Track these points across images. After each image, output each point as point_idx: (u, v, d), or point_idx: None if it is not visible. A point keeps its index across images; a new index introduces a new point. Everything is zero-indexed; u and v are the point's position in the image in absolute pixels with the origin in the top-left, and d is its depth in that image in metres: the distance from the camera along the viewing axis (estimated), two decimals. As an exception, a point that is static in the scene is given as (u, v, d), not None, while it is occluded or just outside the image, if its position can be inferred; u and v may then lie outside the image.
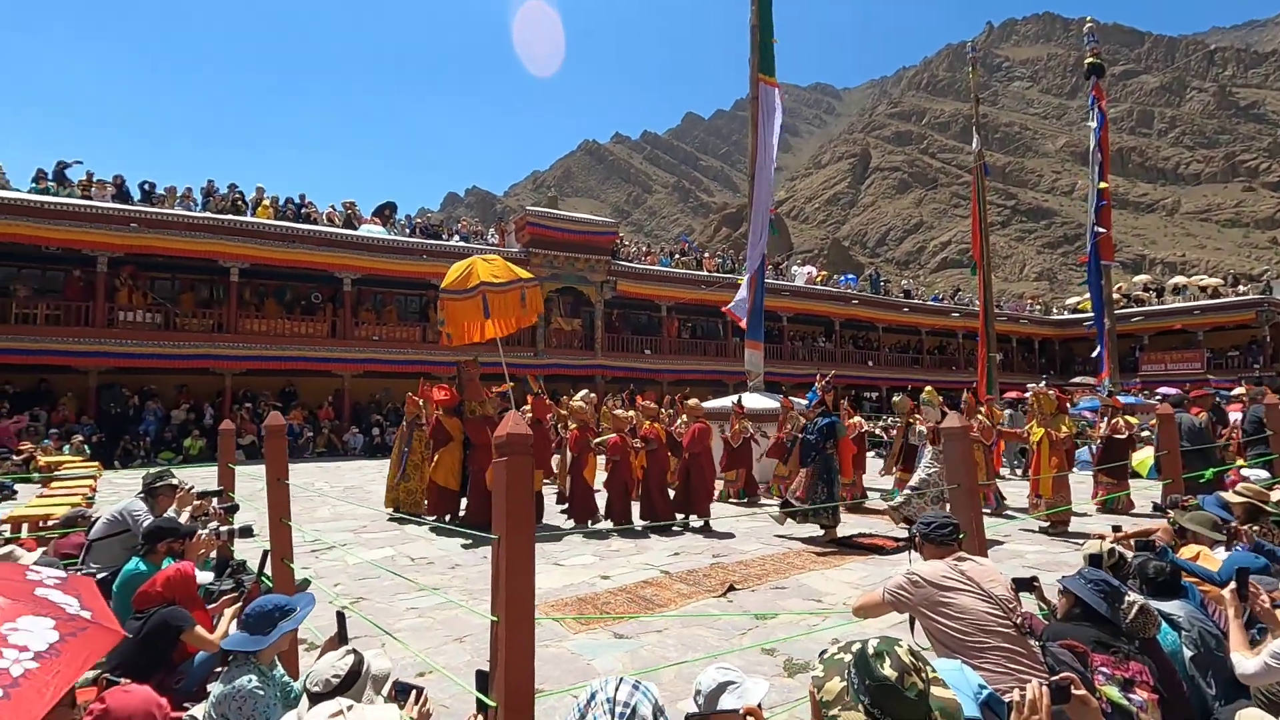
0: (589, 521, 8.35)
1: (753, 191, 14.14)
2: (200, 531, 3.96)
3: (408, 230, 21.49)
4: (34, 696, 1.09)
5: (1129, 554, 3.59)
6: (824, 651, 1.62)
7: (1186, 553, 3.72)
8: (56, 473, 10.21)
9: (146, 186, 17.85)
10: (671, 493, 8.79)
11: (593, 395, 10.76)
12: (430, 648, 4.30)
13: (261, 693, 2.16)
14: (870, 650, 1.43)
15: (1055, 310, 37.95)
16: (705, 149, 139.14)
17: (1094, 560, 3.39)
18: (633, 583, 5.86)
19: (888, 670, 1.38)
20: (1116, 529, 4.29)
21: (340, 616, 2.58)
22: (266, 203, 19.12)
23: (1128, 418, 10.31)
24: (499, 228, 24.36)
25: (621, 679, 1.65)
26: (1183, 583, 3.18)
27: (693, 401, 9.83)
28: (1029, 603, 3.05)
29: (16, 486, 10.64)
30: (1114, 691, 2.27)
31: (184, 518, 4.45)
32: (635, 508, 8.60)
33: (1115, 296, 25.03)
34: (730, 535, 8.01)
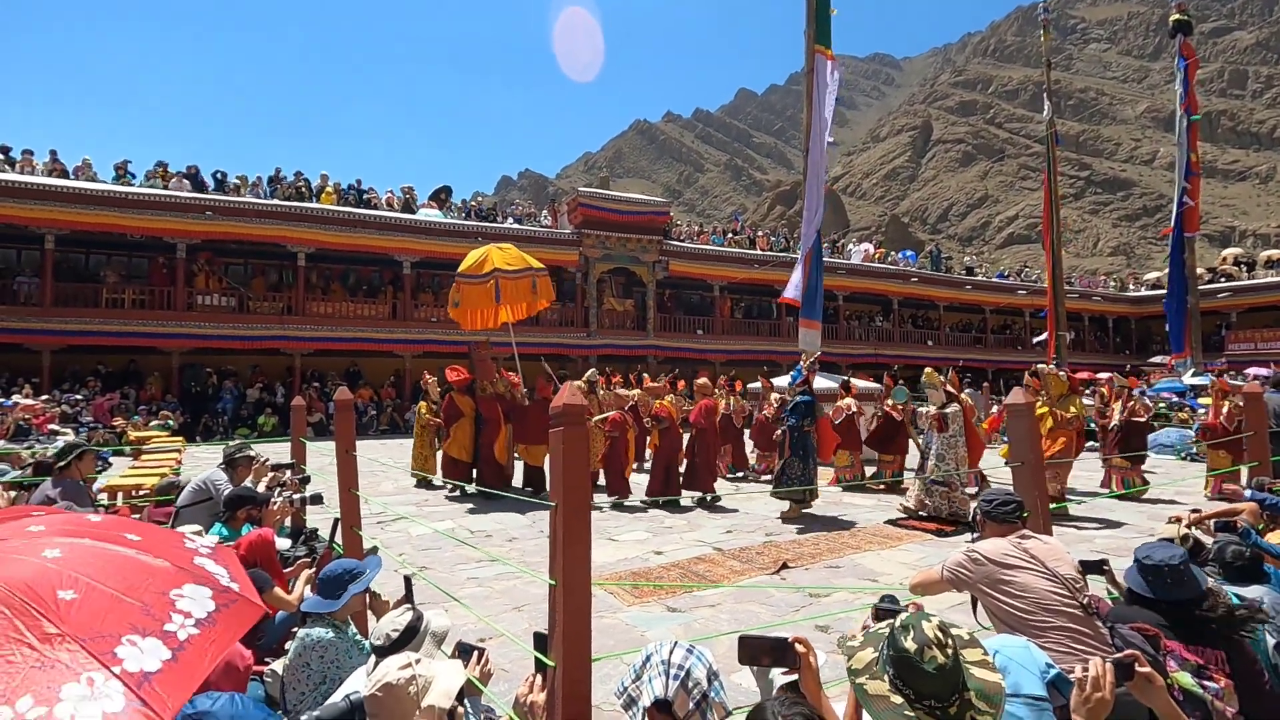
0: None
1: (807, 167, 13.82)
2: (275, 500, 4.21)
3: (463, 214, 21.91)
4: (196, 661, 1.15)
5: (1206, 538, 3.42)
6: (865, 626, 1.66)
7: (1274, 537, 3.52)
8: (145, 446, 10.94)
9: (219, 175, 18.71)
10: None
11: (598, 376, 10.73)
12: (490, 615, 4.46)
13: (338, 642, 2.30)
14: (899, 623, 1.45)
15: (1132, 286, 35.92)
16: (759, 125, 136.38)
17: (1168, 540, 3.25)
18: (686, 558, 5.92)
19: (909, 643, 1.39)
20: (1195, 510, 4.09)
21: (407, 580, 2.71)
22: (330, 189, 19.78)
23: (1145, 401, 9.92)
24: (551, 209, 24.56)
25: (676, 643, 1.69)
26: (1265, 568, 3.01)
27: (702, 380, 9.83)
28: (1099, 586, 2.95)
29: (111, 459, 11.45)
30: (1187, 678, 2.18)
31: (260, 488, 4.73)
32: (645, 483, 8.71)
33: (1200, 271, 23.54)
34: (734, 510, 8.04)
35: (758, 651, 1.68)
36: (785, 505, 7.78)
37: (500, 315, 10.32)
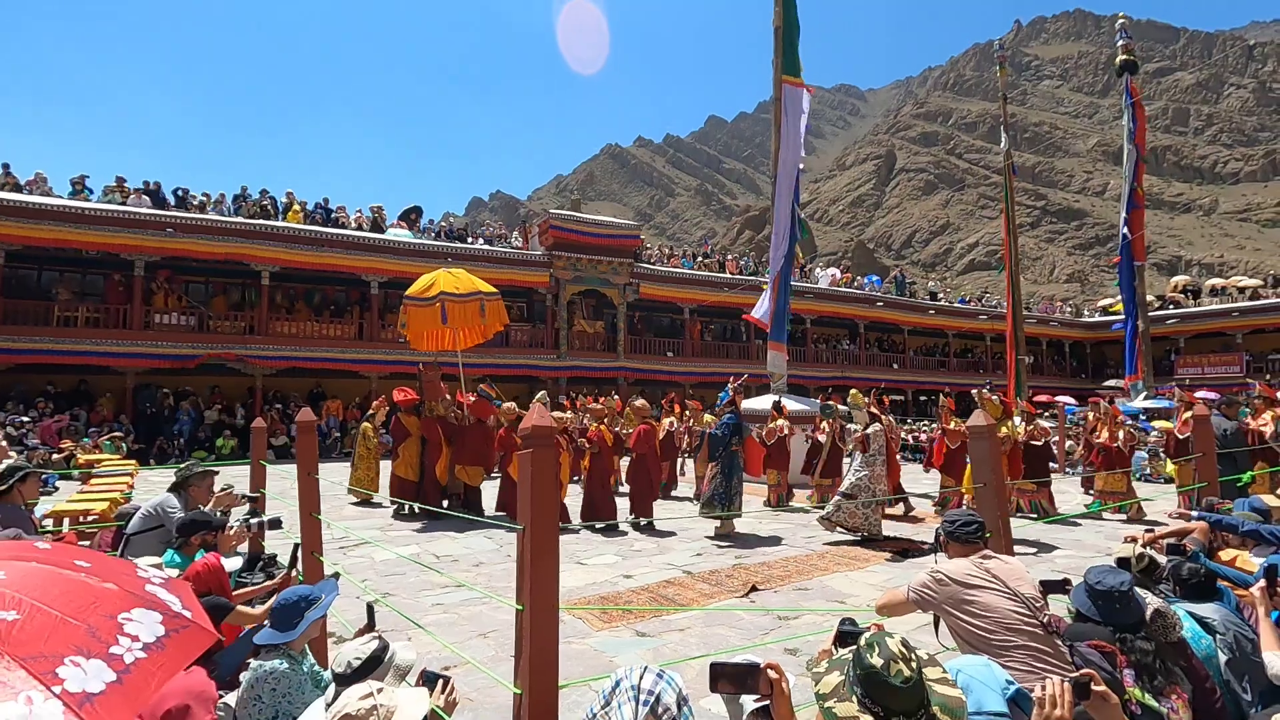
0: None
1: (776, 193, 14.11)
2: (231, 524, 4.07)
3: (433, 234, 21.78)
4: (141, 685, 1.14)
5: (1161, 557, 3.52)
6: (827, 651, 1.69)
7: (1224, 556, 3.64)
8: (95, 470, 10.51)
9: (180, 192, 18.34)
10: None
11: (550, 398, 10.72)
12: (455, 642, 4.36)
13: (291, 673, 2.22)
14: (863, 642, 1.48)
15: (1086, 313, 37.19)
16: (728, 152, 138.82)
17: (1122, 564, 3.33)
18: (655, 582, 5.87)
19: (875, 659, 1.42)
20: (1150, 529, 4.21)
21: (369, 608, 2.65)
22: (297, 208, 19.50)
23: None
24: (523, 231, 24.56)
25: (646, 667, 1.67)
26: (1218, 586, 3.11)
27: (640, 403, 9.86)
28: (1060, 606, 3.01)
29: (58, 483, 10.97)
30: (1141, 693, 2.23)
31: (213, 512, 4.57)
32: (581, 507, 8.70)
33: (1150, 299, 24.49)
34: (671, 534, 8.05)
35: (728, 678, 1.67)
36: (724, 523, 7.95)
37: (448, 338, 10.47)
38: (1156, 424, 15.93)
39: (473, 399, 9.84)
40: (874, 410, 8.36)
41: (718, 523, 7.94)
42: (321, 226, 19.38)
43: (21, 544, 1.40)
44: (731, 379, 8.87)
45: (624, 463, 10.98)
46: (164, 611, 1.31)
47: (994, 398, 8.64)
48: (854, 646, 1.60)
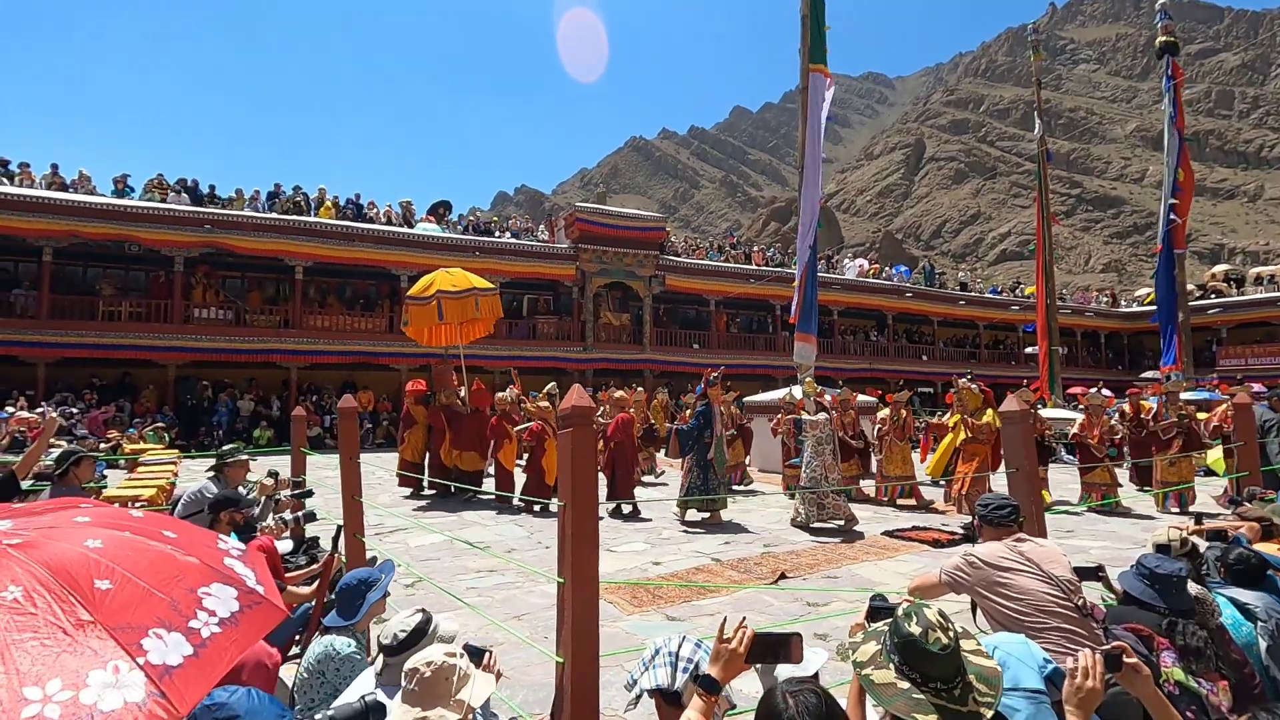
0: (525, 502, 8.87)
1: (802, 184, 13.99)
2: (267, 523, 4.24)
3: (460, 228, 22.03)
4: (216, 658, 1.18)
5: (1202, 544, 3.49)
6: (860, 625, 1.72)
7: (1267, 548, 3.58)
8: (141, 459, 10.89)
9: (216, 189, 18.86)
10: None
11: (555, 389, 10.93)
12: (490, 624, 4.47)
13: (359, 657, 2.32)
14: (900, 612, 1.52)
15: (1124, 302, 36.24)
16: (754, 143, 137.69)
17: (1161, 549, 3.30)
18: (684, 569, 5.94)
19: (913, 627, 1.46)
20: (1199, 520, 4.15)
21: (337, 530, 2.76)
22: (329, 203, 19.88)
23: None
24: (548, 224, 24.71)
25: (685, 637, 1.73)
26: (1269, 575, 3.08)
27: (619, 394, 9.95)
28: (1094, 592, 3.00)
29: (106, 471, 11.39)
30: (1181, 673, 2.23)
31: (263, 505, 4.76)
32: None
33: (1190, 287, 23.80)
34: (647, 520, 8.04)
35: (763, 646, 1.71)
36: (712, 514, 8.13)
37: (446, 332, 11.23)
38: (1198, 415, 15.52)
39: (478, 388, 10.44)
40: (822, 402, 8.52)
41: (695, 513, 8.12)
42: (353, 221, 19.73)
43: (118, 511, 1.47)
44: (708, 371, 8.96)
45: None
46: (239, 587, 1.35)
47: (973, 387, 8.54)
48: (889, 619, 1.63)
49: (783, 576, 5.60)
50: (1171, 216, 17.22)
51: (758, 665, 1.81)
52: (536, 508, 8.49)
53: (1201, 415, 15.21)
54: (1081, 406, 10.14)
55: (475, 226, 22.43)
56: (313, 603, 3.22)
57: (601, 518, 8.20)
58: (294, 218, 18.64)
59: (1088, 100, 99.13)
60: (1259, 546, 3.62)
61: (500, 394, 9.88)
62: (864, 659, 1.55)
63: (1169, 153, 17.54)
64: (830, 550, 6.67)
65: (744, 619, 1.65)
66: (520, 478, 9.37)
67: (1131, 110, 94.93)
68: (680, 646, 1.70)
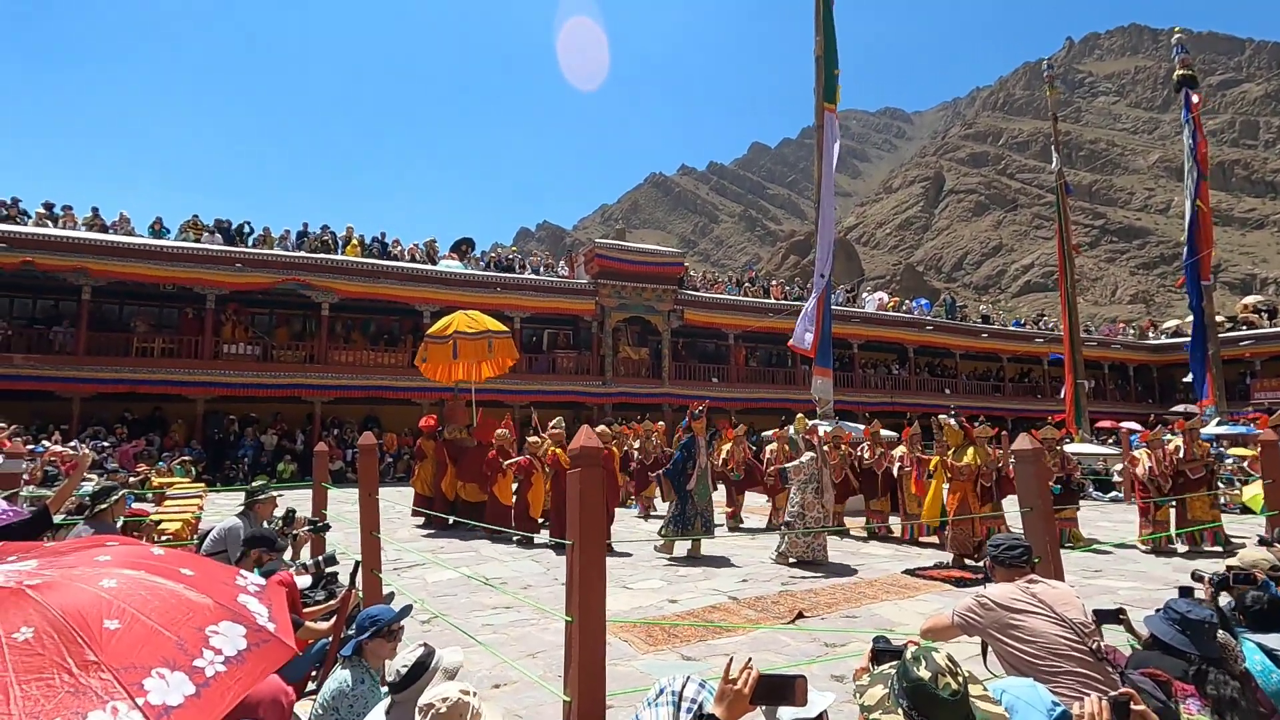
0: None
1: (819, 218, 14.13)
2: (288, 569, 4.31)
3: (482, 265, 22.44)
4: (218, 699, 1.19)
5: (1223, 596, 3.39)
6: (863, 668, 1.71)
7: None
8: (168, 492, 11.10)
9: (246, 228, 19.49)
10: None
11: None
12: (504, 661, 4.47)
13: (370, 693, 2.36)
14: (909, 655, 1.51)
15: (1152, 334, 35.58)
16: (772, 178, 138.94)
17: (1184, 592, 3.24)
18: (700, 607, 5.88)
19: (923, 671, 1.45)
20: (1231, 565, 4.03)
21: (355, 565, 2.80)
22: (355, 241, 20.42)
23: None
24: (569, 260, 25.08)
25: (689, 677, 1.75)
26: (1289, 616, 2.99)
27: (601, 429, 9.84)
28: (1117, 636, 2.94)
29: (134, 504, 11.60)
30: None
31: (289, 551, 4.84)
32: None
33: (1221, 319, 23.35)
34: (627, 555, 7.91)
35: (767, 689, 1.72)
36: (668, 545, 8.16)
37: (456, 370, 11.83)
38: (1233, 451, 15.09)
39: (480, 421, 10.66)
40: (810, 439, 8.46)
41: (677, 545, 8.12)
42: (378, 259, 20.22)
43: (139, 550, 1.52)
44: (693, 404, 9.00)
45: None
46: (249, 625, 1.37)
47: (952, 423, 8.39)
48: (894, 661, 1.64)
49: (800, 616, 5.52)
50: (1194, 249, 17.02)
51: (762, 706, 1.82)
52: (515, 539, 8.82)
53: (1240, 451, 14.81)
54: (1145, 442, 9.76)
55: (497, 263, 22.84)
56: (329, 638, 3.27)
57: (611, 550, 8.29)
58: (320, 255, 19.15)
59: (1109, 132, 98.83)
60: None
61: (499, 430, 10.04)
62: (871, 703, 1.54)
63: (1188, 185, 17.43)
64: (849, 589, 6.56)
65: (750, 659, 1.66)
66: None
67: (1154, 141, 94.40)
68: (684, 686, 1.71)
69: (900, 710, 1.46)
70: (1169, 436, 9.03)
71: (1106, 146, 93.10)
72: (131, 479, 13.36)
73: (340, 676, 2.40)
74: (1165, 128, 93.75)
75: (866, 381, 27.31)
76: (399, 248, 21.27)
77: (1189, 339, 18.44)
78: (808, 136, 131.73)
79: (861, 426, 11.96)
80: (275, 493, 5.28)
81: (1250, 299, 36.88)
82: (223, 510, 10.37)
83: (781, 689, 1.66)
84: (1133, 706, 1.73)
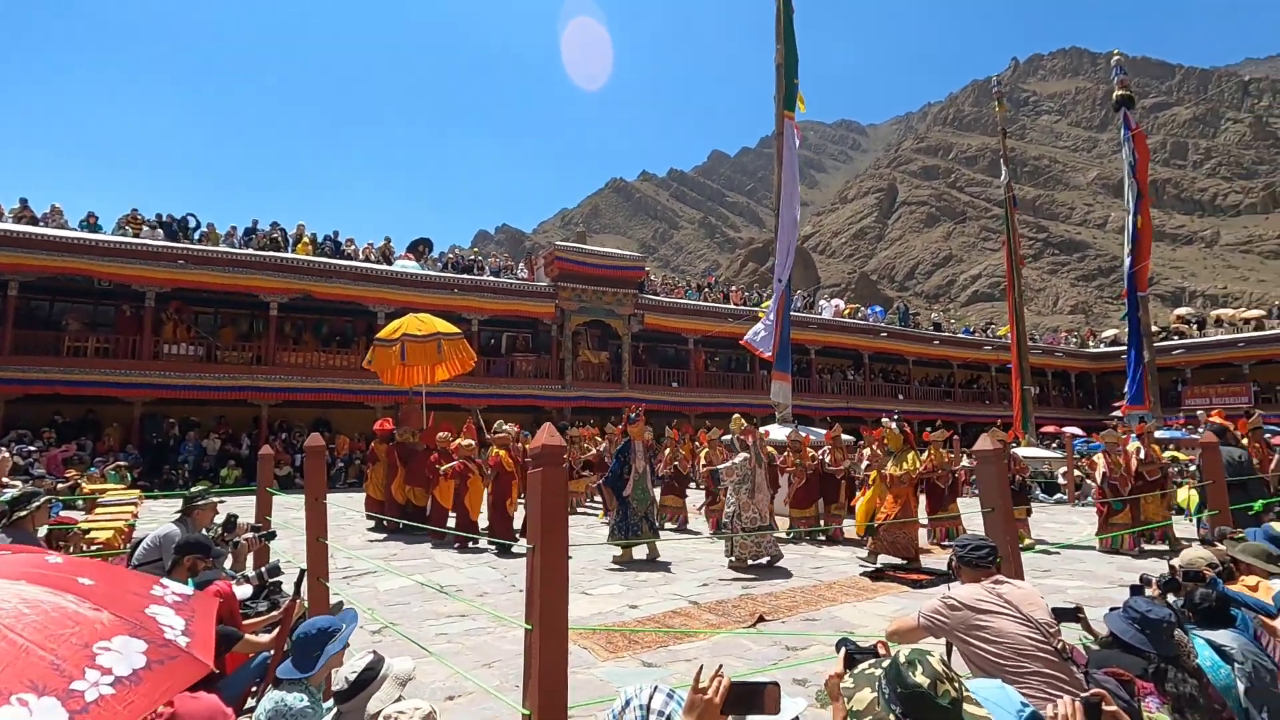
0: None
1: (779, 225, 14.27)
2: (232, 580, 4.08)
3: (440, 266, 22.01)
4: None
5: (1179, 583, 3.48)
6: (836, 674, 1.65)
7: (1247, 582, 3.59)
8: (100, 499, 10.49)
9: (188, 220, 18.69)
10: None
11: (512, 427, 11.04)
12: (460, 671, 4.30)
13: (313, 713, 2.20)
14: (902, 659, 1.45)
15: (1091, 343, 37.13)
16: (731, 185, 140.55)
17: (1135, 590, 3.30)
18: (661, 612, 5.80)
19: (920, 677, 1.38)
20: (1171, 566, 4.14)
21: (301, 572, 2.81)
22: (306, 239, 19.78)
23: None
24: (528, 262, 24.81)
25: (656, 686, 1.66)
26: (1233, 612, 3.07)
27: (510, 428, 9.85)
28: (1073, 634, 2.97)
29: (62, 512, 10.94)
30: (1166, 718, 2.20)
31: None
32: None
33: (1155, 329, 24.43)
34: (671, 564, 7.91)
35: (740, 698, 1.64)
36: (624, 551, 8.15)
37: (415, 373, 11.76)
38: (1167, 454, 15.77)
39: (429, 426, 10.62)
40: (744, 440, 8.49)
41: (641, 552, 8.09)
42: (330, 258, 19.63)
43: (34, 559, 1.35)
44: (629, 407, 9.02)
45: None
46: (152, 639, 1.21)
47: (893, 426, 8.46)
48: (876, 663, 1.57)
49: (761, 620, 5.49)
50: (1134, 261, 17.76)
51: (733, 716, 1.74)
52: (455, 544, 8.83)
53: (1173, 454, 15.47)
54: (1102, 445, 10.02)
55: (455, 264, 22.43)
56: (271, 652, 3.07)
57: (520, 554, 8.29)
58: (270, 254, 18.50)
59: (1051, 149, 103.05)
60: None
61: (441, 434, 9.95)
62: (860, 708, 1.47)
63: (1128, 200, 18.19)
64: (809, 592, 6.57)
65: (720, 667, 1.58)
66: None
67: (1092, 159, 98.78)
68: (651, 698, 1.62)
69: (893, 716, 1.39)
70: (1134, 441, 9.32)
71: (1049, 163, 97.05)
72: (60, 485, 12.63)
73: (277, 695, 2.23)
74: (1103, 146, 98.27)
75: (823, 387, 27.74)
76: (353, 247, 20.70)
77: (1126, 348, 19.26)
78: (767, 146, 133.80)
79: (823, 431, 12.05)
80: (216, 498, 4.99)
81: (1181, 310, 38.84)
82: (160, 518, 9.86)
83: (753, 697, 1.59)
84: (1104, 707, 1.71)
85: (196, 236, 18.57)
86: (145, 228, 17.72)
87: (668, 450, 11.80)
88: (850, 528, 9.81)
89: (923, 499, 9.39)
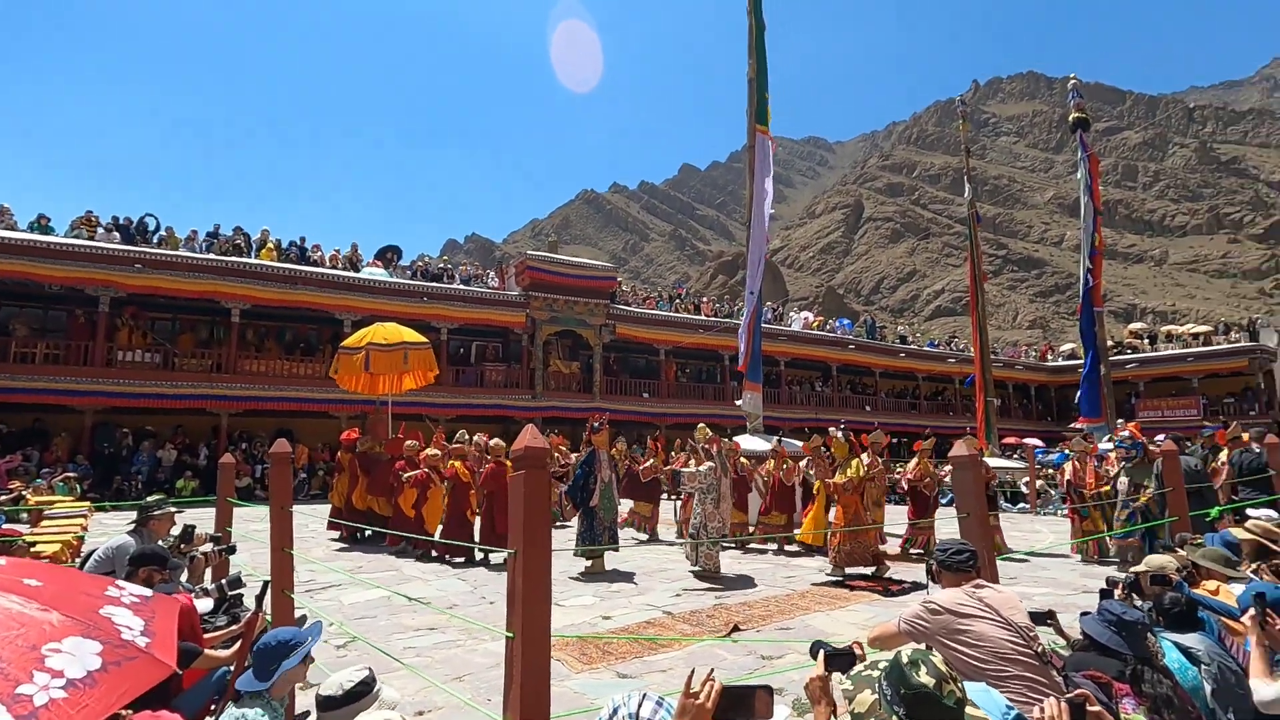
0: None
1: (750, 238, 14.40)
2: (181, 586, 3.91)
3: (409, 274, 21.70)
4: None
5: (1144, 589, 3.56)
6: (819, 679, 1.64)
7: (1208, 586, 3.68)
8: (47, 512, 10.02)
9: (150, 222, 18.12)
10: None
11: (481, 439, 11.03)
12: (430, 686, 4.18)
13: None
14: (905, 659, 1.43)
15: (1050, 357, 38.20)
16: (701, 199, 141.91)
17: (1104, 594, 3.36)
18: (635, 623, 5.73)
19: (924, 677, 1.36)
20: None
21: (265, 584, 2.89)
22: (271, 245, 19.34)
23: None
24: (499, 271, 24.62)
25: (645, 694, 1.62)
26: (1200, 616, 3.14)
27: (494, 442, 9.66)
28: (1045, 637, 3.00)
29: (5, 525, 10.42)
30: (1142, 719, 2.22)
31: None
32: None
33: (1110, 344, 25.24)
34: (651, 574, 7.88)
35: (731, 702, 1.60)
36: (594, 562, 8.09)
37: (381, 382, 11.74)
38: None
39: (402, 435, 10.44)
40: (708, 449, 8.50)
41: (589, 562, 8.03)
42: (296, 264, 19.21)
43: None
44: (592, 416, 9.00)
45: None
46: (107, 640, 1.15)
47: (840, 436, 8.59)
48: (874, 664, 1.54)
49: (736, 629, 5.46)
50: (1089, 277, 18.35)
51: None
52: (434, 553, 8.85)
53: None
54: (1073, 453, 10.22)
55: (424, 272, 22.14)
56: (231, 667, 2.94)
57: (468, 564, 8.37)
58: (232, 259, 18.03)
59: (1010, 169, 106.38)
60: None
61: (408, 442, 9.80)
62: (862, 710, 1.44)
63: (1085, 219, 18.81)
64: (783, 601, 6.57)
65: (711, 671, 1.55)
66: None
67: (1049, 180, 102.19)
68: (640, 706, 1.58)
69: (896, 718, 1.37)
70: (1106, 447, 9.53)
71: (1009, 182, 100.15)
72: (2, 497, 12.05)
73: (236, 713, 2.13)
74: (1059, 167, 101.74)
75: (793, 398, 27.99)
76: (319, 253, 20.28)
77: (1083, 361, 19.86)
78: (737, 160, 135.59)
79: (800, 443, 12.09)
80: (173, 508, 4.79)
81: (1134, 325, 40.24)
82: (111, 531, 9.45)
83: (745, 701, 1.56)
84: (1089, 708, 1.72)
85: (155, 240, 18.00)
86: (101, 230, 17.13)
87: (650, 460, 11.72)
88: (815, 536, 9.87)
89: (907, 507, 9.54)
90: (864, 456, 9.12)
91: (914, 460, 9.58)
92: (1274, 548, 4.16)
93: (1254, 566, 4.00)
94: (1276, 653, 2.75)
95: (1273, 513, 5.48)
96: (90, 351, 16.39)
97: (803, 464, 10.44)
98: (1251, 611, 2.76)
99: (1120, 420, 14.38)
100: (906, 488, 9.50)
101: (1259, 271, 72.57)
